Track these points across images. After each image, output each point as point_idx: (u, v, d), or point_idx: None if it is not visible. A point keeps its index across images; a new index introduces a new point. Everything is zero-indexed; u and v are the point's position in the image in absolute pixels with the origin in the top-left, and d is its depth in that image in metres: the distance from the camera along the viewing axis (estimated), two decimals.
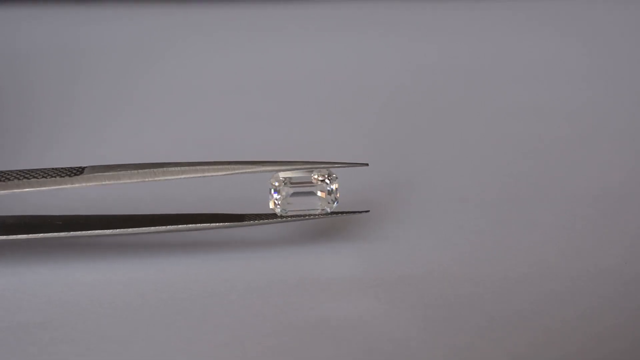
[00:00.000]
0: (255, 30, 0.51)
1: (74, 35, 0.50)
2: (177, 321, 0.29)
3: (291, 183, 0.32)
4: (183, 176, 0.31)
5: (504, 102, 0.45)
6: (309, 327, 0.29)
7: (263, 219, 0.32)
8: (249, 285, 0.31)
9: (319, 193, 0.32)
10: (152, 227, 0.31)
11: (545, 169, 0.39)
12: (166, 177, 0.31)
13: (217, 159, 0.32)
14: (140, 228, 0.31)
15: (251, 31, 0.51)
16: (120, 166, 0.31)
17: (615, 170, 0.39)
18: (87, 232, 0.31)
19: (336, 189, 0.32)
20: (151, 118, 0.44)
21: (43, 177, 0.31)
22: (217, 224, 0.32)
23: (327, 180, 0.32)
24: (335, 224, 0.34)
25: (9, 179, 0.31)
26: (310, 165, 0.32)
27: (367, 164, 0.33)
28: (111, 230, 0.31)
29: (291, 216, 0.32)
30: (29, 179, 0.31)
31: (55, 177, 0.31)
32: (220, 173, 0.31)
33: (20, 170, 0.31)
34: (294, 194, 0.32)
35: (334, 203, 0.32)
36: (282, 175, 0.32)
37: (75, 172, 0.31)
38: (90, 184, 0.31)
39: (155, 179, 0.31)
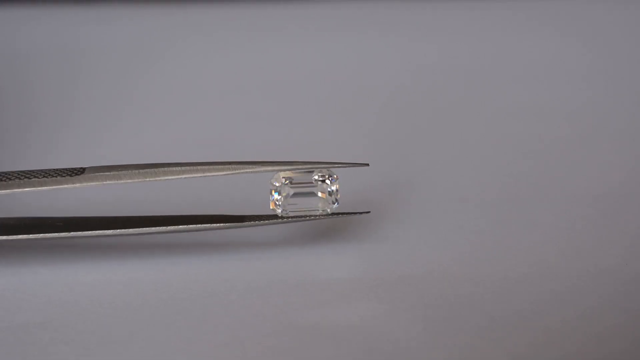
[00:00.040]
0: (255, 30, 0.51)
1: (74, 36, 0.50)
2: (177, 321, 0.29)
3: (292, 184, 0.32)
4: (183, 176, 0.31)
5: (504, 102, 0.45)
6: (309, 327, 0.29)
7: (263, 220, 0.32)
8: (249, 286, 0.31)
9: (319, 194, 0.32)
10: (153, 228, 0.32)
11: (545, 169, 0.39)
12: (167, 177, 0.31)
13: (217, 159, 0.32)
14: (141, 228, 0.31)
15: (251, 31, 0.51)
16: (121, 166, 0.31)
17: (615, 170, 0.39)
18: (87, 232, 0.31)
19: (337, 189, 0.32)
20: (151, 118, 0.44)
21: (44, 177, 0.31)
22: (218, 224, 0.32)
23: (327, 181, 0.32)
24: (335, 224, 0.34)
25: (9, 179, 0.31)
26: (311, 165, 0.32)
27: (367, 164, 0.33)
28: (111, 231, 0.31)
29: (292, 217, 0.32)
30: (30, 178, 0.31)
31: (56, 177, 0.31)
32: (220, 173, 0.31)
33: (20, 171, 0.31)
34: (295, 195, 0.32)
35: (334, 204, 0.32)
36: (282, 175, 0.32)
37: (76, 172, 0.31)
38: (91, 183, 0.31)
39: (156, 178, 0.31)
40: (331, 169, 0.32)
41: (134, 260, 0.32)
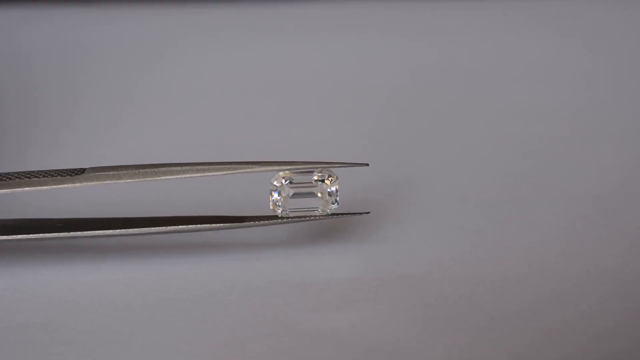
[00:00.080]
0: (255, 30, 0.51)
1: (74, 36, 0.50)
2: (177, 321, 0.29)
3: (292, 184, 0.32)
4: (183, 176, 0.31)
5: (504, 102, 0.45)
6: (309, 327, 0.29)
7: (263, 220, 0.32)
8: (249, 286, 0.31)
9: (319, 194, 0.32)
10: (153, 228, 0.31)
11: (545, 169, 0.39)
12: (167, 177, 0.31)
13: (217, 159, 0.32)
14: (140, 229, 0.31)
15: (251, 31, 0.51)
16: (121, 166, 0.31)
17: (615, 171, 0.39)
18: (87, 232, 0.31)
19: (336, 190, 0.32)
20: (151, 118, 0.44)
21: (44, 177, 0.31)
22: (218, 224, 0.32)
23: (327, 182, 0.32)
24: (335, 224, 0.34)
25: (10, 179, 0.31)
26: (310, 165, 0.32)
27: (367, 164, 0.32)
28: (111, 231, 0.31)
29: (291, 217, 0.32)
30: (30, 178, 0.31)
31: (56, 177, 0.31)
32: (220, 173, 0.31)
33: (21, 172, 0.31)
34: (295, 195, 0.32)
35: (334, 204, 0.32)
36: (282, 175, 0.32)
37: (76, 172, 0.31)
38: (91, 183, 0.31)
39: (156, 178, 0.31)
40: (331, 169, 0.32)
41: (134, 260, 0.32)
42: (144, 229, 0.31)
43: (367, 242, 0.33)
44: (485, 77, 0.47)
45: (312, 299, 0.30)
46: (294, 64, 0.48)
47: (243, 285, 0.31)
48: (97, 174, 0.31)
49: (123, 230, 0.31)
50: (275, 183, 0.32)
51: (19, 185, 0.31)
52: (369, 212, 0.33)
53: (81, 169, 0.31)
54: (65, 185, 0.31)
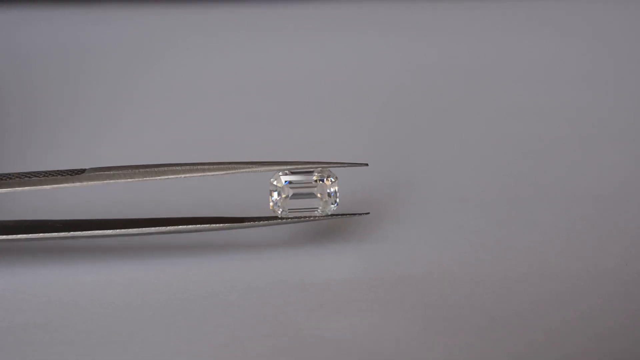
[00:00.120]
0: (255, 30, 0.51)
1: (74, 36, 0.50)
2: (177, 321, 0.29)
3: (291, 184, 0.32)
4: (183, 176, 0.31)
5: (504, 102, 0.45)
6: (308, 327, 0.29)
7: (263, 220, 0.32)
8: (249, 286, 0.31)
9: (319, 195, 0.32)
10: (153, 228, 0.31)
11: (545, 169, 0.39)
12: (167, 177, 0.31)
13: (217, 159, 0.32)
14: (140, 229, 0.31)
15: (251, 31, 0.51)
16: (121, 167, 0.31)
17: (615, 171, 0.39)
18: (87, 232, 0.31)
19: (336, 191, 0.32)
20: (151, 118, 0.44)
21: (44, 177, 0.31)
22: (217, 224, 0.32)
23: (327, 182, 0.32)
24: (335, 224, 0.34)
25: (10, 179, 0.31)
26: (310, 165, 0.32)
27: (367, 164, 0.33)
28: (111, 231, 0.31)
29: (291, 218, 0.32)
30: (30, 178, 0.31)
31: (56, 177, 0.31)
32: (220, 173, 0.31)
33: (21, 172, 0.31)
34: (294, 196, 0.32)
35: (334, 205, 0.32)
36: (282, 176, 0.32)
37: (76, 172, 0.31)
38: (91, 183, 0.31)
39: (156, 178, 0.31)
40: (331, 170, 0.32)
41: (134, 260, 0.32)
42: (144, 229, 0.31)
43: (367, 242, 0.33)
44: (485, 77, 0.47)
45: (312, 299, 0.30)
46: (294, 64, 0.48)
47: (243, 285, 0.31)
48: (97, 174, 0.31)
49: (123, 230, 0.31)
50: (275, 183, 0.32)
51: (19, 185, 0.31)
52: (368, 213, 0.33)
53: (81, 169, 0.31)
54: (65, 185, 0.31)
